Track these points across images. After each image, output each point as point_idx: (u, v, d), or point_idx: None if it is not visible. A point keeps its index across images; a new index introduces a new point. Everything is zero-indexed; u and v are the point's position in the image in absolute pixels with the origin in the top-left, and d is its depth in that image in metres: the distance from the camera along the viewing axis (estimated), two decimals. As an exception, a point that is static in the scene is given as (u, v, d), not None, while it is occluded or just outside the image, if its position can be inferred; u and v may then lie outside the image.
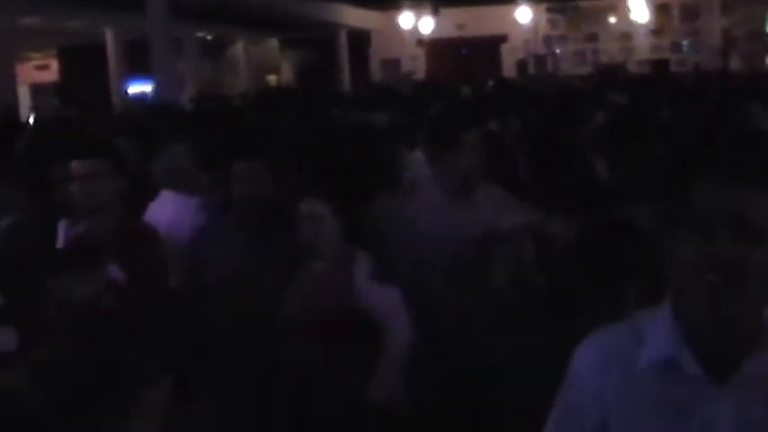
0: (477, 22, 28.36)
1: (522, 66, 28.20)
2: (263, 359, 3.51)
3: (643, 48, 29.11)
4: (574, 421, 1.66)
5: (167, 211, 4.45)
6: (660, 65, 26.72)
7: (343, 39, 27.56)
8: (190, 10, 17.69)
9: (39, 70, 26.29)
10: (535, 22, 29.03)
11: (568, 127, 6.17)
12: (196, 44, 23.18)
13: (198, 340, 3.28)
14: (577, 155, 4.37)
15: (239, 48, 27.51)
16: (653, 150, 3.40)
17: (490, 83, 16.09)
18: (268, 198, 3.88)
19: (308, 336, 3.44)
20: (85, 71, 23.09)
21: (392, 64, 28.86)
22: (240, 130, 6.68)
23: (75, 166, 3.78)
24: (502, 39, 29.23)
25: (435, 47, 29.07)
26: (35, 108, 20.84)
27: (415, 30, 29.04)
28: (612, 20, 29.18)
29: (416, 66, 28.96)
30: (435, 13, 28.34)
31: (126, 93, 20.64)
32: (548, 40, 29.43)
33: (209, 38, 25.72)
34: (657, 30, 29.18)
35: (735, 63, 24.91)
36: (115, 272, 2.98)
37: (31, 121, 12.38)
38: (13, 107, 12.59)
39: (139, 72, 19.99)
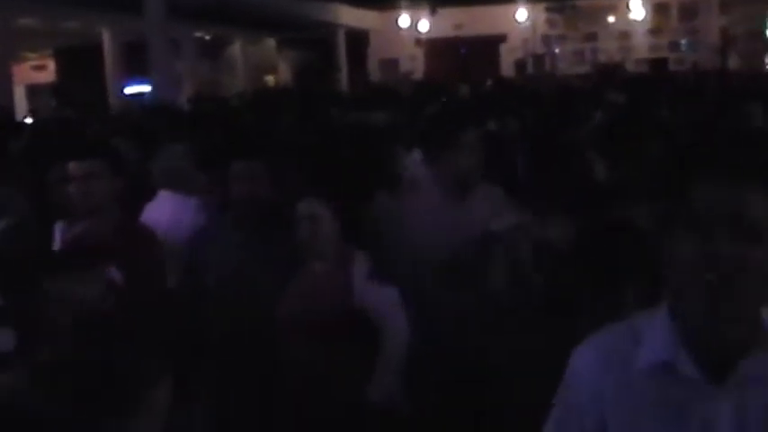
0: (476, 22, 28.38)
1: (520, 65, 28.23)
2: (263, 359, 3.51)
3: (641, 47, 29.15)
4: (573, 421, 1.66)
5: (166, 211, 4.45)
6: (658, 64, 26.78)
7: (341, 39, 27.57)
8: (187, 10, 17.69)
9: (35, 71, 26.29)
10: (533, 21, 29.07)
11: (567, 126, 6.17)
12: (194, 44, 23.20)
13: (197, 340, 3.27)
14: (576, 154, 4.37)
15: (237, 48, 27.53)
16: (651, 150, 3.40)
17: (489, 82, 16.11)
18: (266, 198, 3.88)
19: (307, 336, 3.44)
20: (82, 72, 23.11)
21: (390, 64, 28.87)
22: (238, 130, 6.68)
23: (72, 166, 3.78)
24: (500, 38, 29.25)
25: (433, 47, 29.09)
26: (31, 109, 20.82)
27: (413, 30, 29.07)
28: (611, 19, 29.21)
29: (415, 66, 28.99)
30: (433, 12, 28.36)
31: (123, 93, 20.64)
32: (546, 40, 29.46)
33: (206, 38, 25.73)
34: (656, 29, 29.21)
35: (733, 62, 24.96)
36: (113, 273, 2.98)
37: (28, 121, 12.37)
38: (9, 108, 12.58)
39: (137, 72, 19.98)
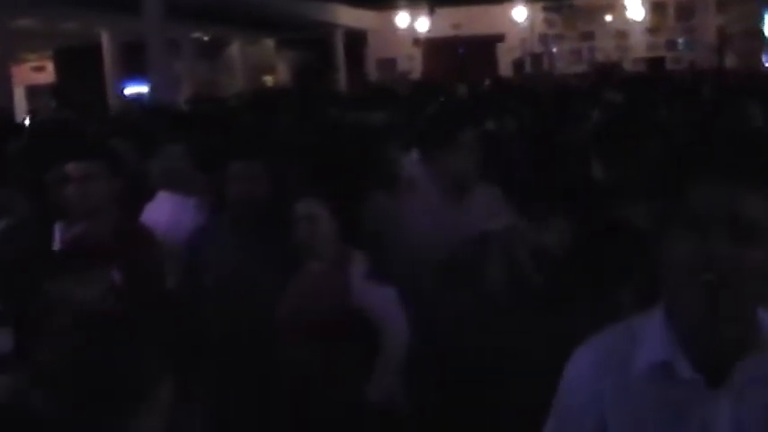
0: (473, 22, 28.40)
1: (518, 64, 28.25)
2: (261, 359, 3.51)
3: (639, 46, 29.18)
4: (573, 423, 1.66)
5: (165, 212, 4.45)
6: (656, 63, 26.79)
7: (339, 39, 27.58)
8: (186, 11, 17.69)
9: (35, 72, 26.29)
10: (531, 20, 29.08)
11: (564, 126, 6.18)
12: (192, 45, 23.21)
13: (196, 341, 3.28)
14: (574, 154, 4.38)
15: (235, 48, 27.53)
16: (649, 149, 3.40)
17: (487, 82, 16.12)
18: (264, 198, 3.88)
19: (306, 336, 3.44)
20: (81, 72, 23.11)
21: (388, 63, 28.89)
22: (236, 130, 6.67)
23: (70, 167, 3.78)
24: (498, 38, 29.27)
25: (431, 46, 29.10)
26: (31, 110, 20.82)
27: (411, 29, 29.08)
28: (608, 18, 29.24)
29: (413, 65, 29.00)
30: (431, 12, 28.37)
31: (122, 94, 20.64)
32: (544, 39, 29.48)
33: (205, 39, 25.74)
34: (653, 28, 29.25)
35: (730, 61, 24.96)
36: (113, 274, 2.98)
37: (27, 122, 12.37)
38: (8, 109, 12.58)
39: (136, 73, 19.99)
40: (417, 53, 29.57)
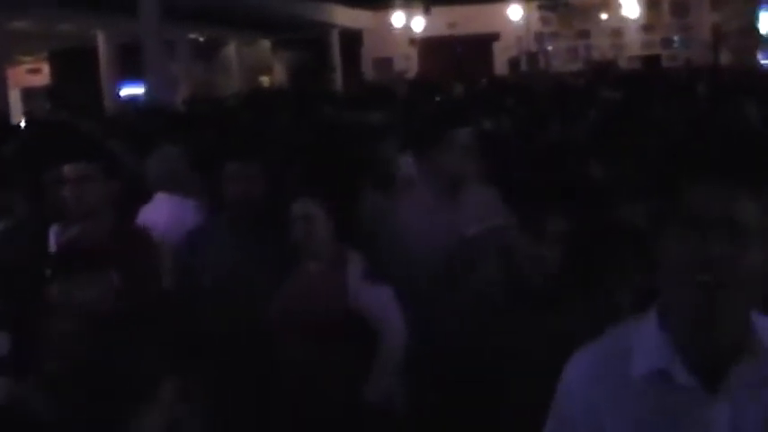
0: (469, 21, 28.42)
1: (514, 63, 28.27)
2: (259, 359, 3.51)
3: (634, 44, 29.21)
4: (570, 427, 1.65)
5: (163, 213, 4.44)
6: (651, 61, 26.81)
7: (335, 39, 27.57)
8: (182, 12, 17.69)
9: (30, 74, 26.25)
10: (527, 19, 29.08)
11: (561, 124, 6.18)
12: (188, 46, 23.19)
13: (194, 341, 3.28)
14: (571, 153, 4.38)
15: (232, 49, 27.52)
16: (646, 147, 3.40)
17: (483, 81, 16.11)
18: (261, 198, 3.88)
19: (303, 336, 3.44)
20: (77, 74, 23.08)
21: (384, 63, 28.89)
22: (233, 130, 6.67)
23: (66, 169, 3.77)
24: (494, 37, 29.28)
25: (427, 45, 29.11)
26: (27, 112, 20.79)
27: (406, 29, 29.08)
28: (604, 16, 29.25)
29: (409, 65, 28.99)
30: (427, 11, 28.37)
31: (118, 95, 20.62)
32: (539, 38, 29.50)
33: (201, 39, 25.71)
34: (648, 26, 29.27)
35: (725, 58, 24.99)
36: (112, 275, 2.98)
37: (23, 124, 12.35)
38: (4, 111, 12.56)
39: (132, 75, 19.98)
40: (413, 52, 29.57)
